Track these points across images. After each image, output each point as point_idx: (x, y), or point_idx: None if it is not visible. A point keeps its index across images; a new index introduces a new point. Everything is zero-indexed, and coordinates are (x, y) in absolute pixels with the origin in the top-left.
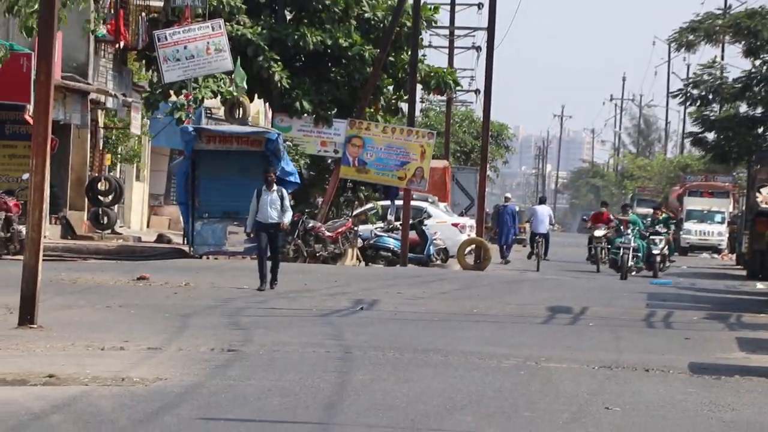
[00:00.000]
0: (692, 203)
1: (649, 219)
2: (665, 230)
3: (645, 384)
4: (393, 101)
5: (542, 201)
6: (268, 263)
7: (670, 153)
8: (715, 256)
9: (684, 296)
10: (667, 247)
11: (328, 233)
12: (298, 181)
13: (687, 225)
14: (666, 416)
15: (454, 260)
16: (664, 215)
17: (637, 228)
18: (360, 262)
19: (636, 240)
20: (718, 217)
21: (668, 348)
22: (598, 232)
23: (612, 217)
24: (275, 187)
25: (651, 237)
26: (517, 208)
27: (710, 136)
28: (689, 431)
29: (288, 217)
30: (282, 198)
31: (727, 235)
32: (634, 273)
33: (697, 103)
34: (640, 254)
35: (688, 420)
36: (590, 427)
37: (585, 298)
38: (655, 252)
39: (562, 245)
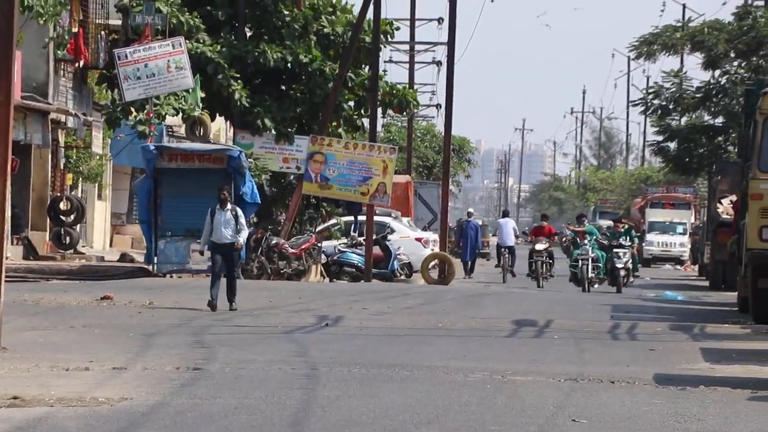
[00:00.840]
0: (654, 215)
1: (608, 232)
2: (629, 243)
3: (611, 396)
4: (355, 117)
5: (505, 214)
6: (223, 282)
7: (631, 165)
8: (678, 267)
9: (648, 308)
10: (630, 260)
11: (291, 250)
12: (258, 201)
13: (649, 236)
14: (632, 427)
15: (418, 275)
16: (625, 227)
17: (594, 238)
18: (324, 278)
19: (595, 250)
20: (680, 229)
21: (633, 359)
22: (539, 246)
23: (556, 229)
24: (229, 205)
25: (615, 250)
26: (480, 223)
27: (672, 146)
28: None
29: (243, 237)
30: (236, 217)
31: (690, 246)
32: (596, 286)
33: (658, 113)
34: (600, 265)
35: (653, 431)
36: None
37: (550, 310)
38: (618, 266)
39: (526, 258)
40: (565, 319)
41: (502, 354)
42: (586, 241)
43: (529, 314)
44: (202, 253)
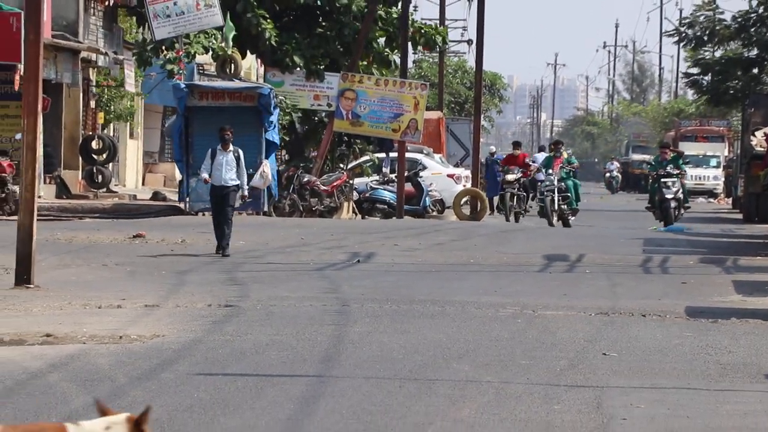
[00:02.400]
0: (687, 148)
1: (654, 161)
2: (677, 171)
3: (642, 329)
4: (386, 53)
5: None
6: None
7: (665, 99)
8: (712, 200)
9: (680, 241)
10: (681, 191)
11: (323, 187)
12: (276, 141)
13: None
14: (663, 360)
15: (450, 211)
16: (673, 154)
17: (570, 166)
18: (356, 215)
19: (567, 181)
20: (713, 162)
21: (665, 293)
22: (510, 176)
23: (531, 161)
24: (232, 147)
25: (662, 180)
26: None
27: (706, 79)
28: (686, 374)
29: (245, 181)
30: (238, 159)
31: (723, 180)
32: (572, 219)
33: (692, 44)
34: (570, 195)
35: (685, 363)
36: (587, 373)
37: (581, 245)
38: (668, 196)
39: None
40: (598, 253)
41: (533, 289)
42: (550, 171)
43: (561, 249)
44: (205, 180)
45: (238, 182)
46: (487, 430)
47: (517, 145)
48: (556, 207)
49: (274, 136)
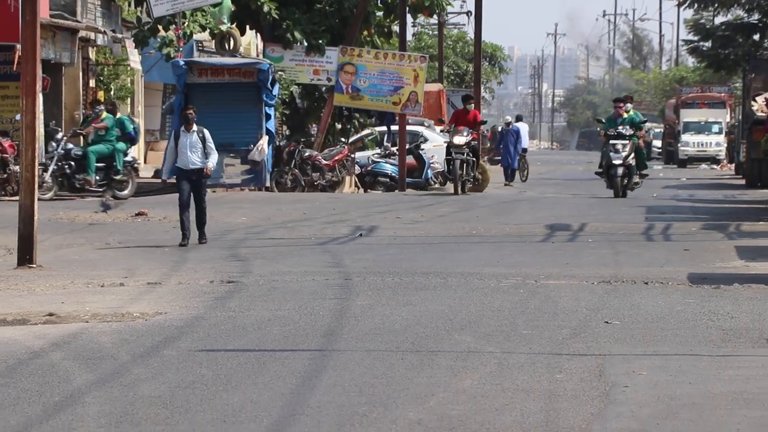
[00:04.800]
0: (689, 115)
1: (605, 118)
2: (631, 133)
3: (644, 297)
4: (386, 24)
5: (519, 119)
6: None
7: (665, 67)
8: (714, 166)
9: (683, 208)
10: (633, 155)
11: (324, 161)
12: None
13: (684, 137)
14: (665, 327)
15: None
16: (630, 113)
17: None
18: (358, 189)
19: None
20: (715, 128)
21: (667, 260)
22: (459, 139)
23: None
24: (195, 127)
25: (611, 142)
26: (520, 128)
27: (706, 45)
28: (688, 340)
29: (213, 162)
30: (204, 140)
31: (725, 146)
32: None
33: (695, 6)
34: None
35: (687, 329)
36: (590, 342)
37: (584, 214)
38: (615, 162)
39: (560, 163)
40: (600, 222)
41: (535, 259)
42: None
43: (563, 219)
44: (164, 182)
45: (204, 164)
46: (489, 400)
47: (467, 99)
48: (464, 174)
49: (270, 124)
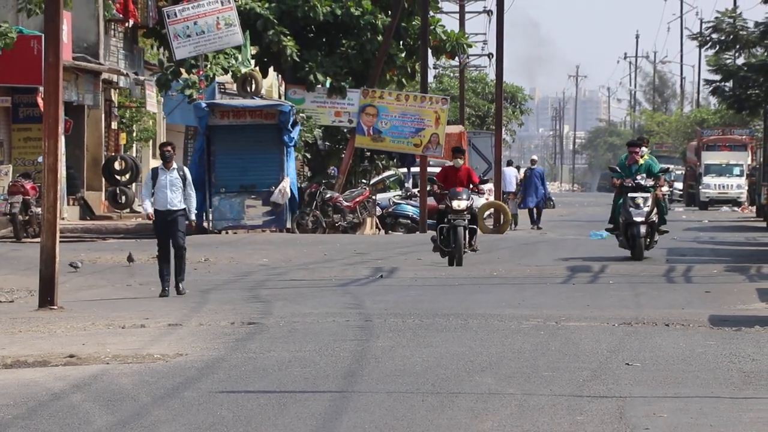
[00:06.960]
0: (710, 157)
1: (619, 165)
2: (652, 183)
3: (665, 338)
4: (409, 65)
5: (509, 164)
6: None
7: (686, 109)
8: (735, 209)
9: (704, 250)
10: (655, 211)
11: (346, 203)
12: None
13: (706, 179)
14: (686, 369)
15: None
16: (646, 158)
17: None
18: (379, 230)
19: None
20: (736, 170)
21: (688, 302)
22: (459, 203)
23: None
24: (175, 164)
25: (629, 195)
26: (543, 170)
27: (728, 85)
28: (709, 382)
29: (193, 204)
30: (184, 179)
31: (747, 188)
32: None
33: (716, 48)
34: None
35: (708, 372)
36: (610, 383)
37: (605, 256)
38: (637, 219)
39: (582, 205)
40: (621, 264)
41: (556, 300)
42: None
43: (585, 261)
44: (149, 216)
45: (184, 206)
46: None
47: (458, 152)
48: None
49: (290, 166)
